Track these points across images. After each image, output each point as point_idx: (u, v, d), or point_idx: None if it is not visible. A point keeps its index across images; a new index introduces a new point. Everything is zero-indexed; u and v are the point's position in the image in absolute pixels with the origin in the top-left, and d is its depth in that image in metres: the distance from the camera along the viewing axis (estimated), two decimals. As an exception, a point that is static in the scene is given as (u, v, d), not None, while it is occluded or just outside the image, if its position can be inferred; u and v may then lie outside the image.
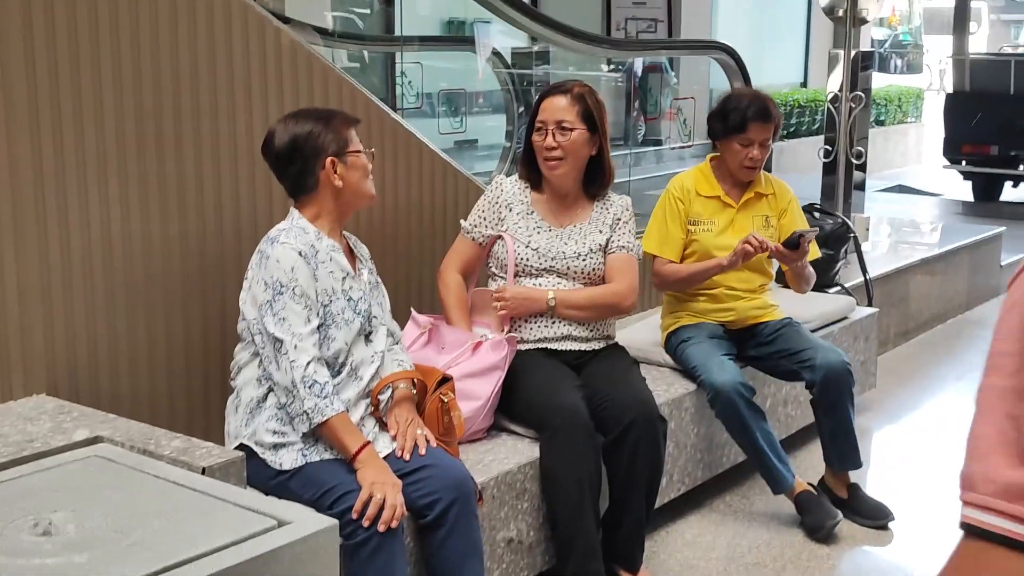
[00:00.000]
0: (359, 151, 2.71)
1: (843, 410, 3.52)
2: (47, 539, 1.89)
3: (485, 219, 3.26)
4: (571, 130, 3.17)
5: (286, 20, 5.60)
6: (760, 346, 3.67)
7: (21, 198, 2.55)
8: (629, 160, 8.17)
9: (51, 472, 2.22)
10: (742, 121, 3.60)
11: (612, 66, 11.13)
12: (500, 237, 3.22)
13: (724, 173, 3.74)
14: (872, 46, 21.66)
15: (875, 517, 3.58)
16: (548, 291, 3.16)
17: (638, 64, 11.53)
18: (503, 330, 3.14)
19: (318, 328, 2.58)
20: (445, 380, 2.85)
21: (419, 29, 9.57)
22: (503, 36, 7.64)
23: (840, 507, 3.56)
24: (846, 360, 3.54)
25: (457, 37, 10.01)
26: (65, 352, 2.67)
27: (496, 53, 6.47)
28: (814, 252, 3.67)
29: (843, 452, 3.59)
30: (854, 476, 3.67)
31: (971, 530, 0.86)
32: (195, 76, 2.83)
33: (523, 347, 3.17)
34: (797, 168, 11.54)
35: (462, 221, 3.31)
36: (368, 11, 9.41)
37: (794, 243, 3.43)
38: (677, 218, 3.67)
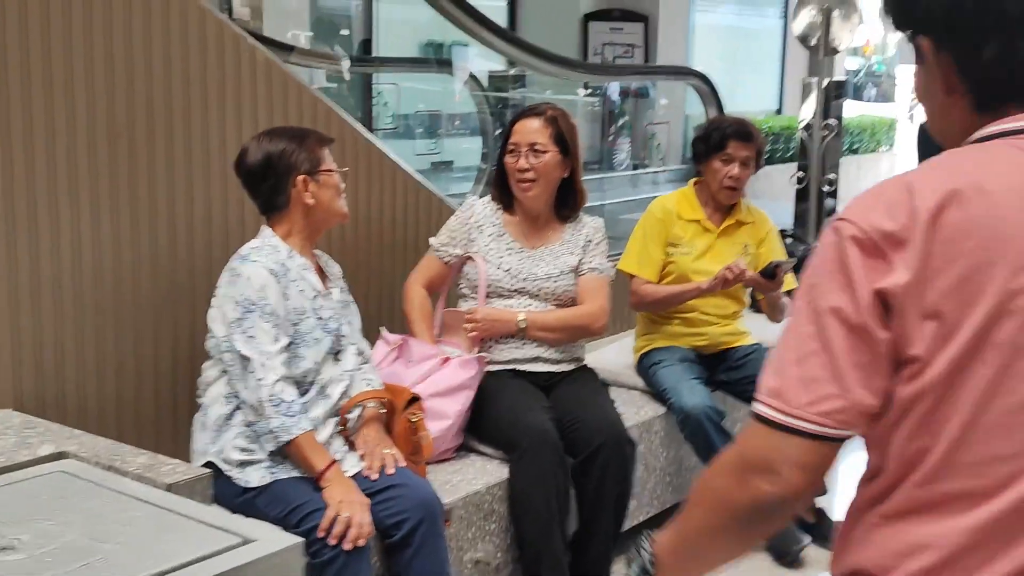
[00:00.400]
0: (332, 170, 2.72)
1: None
2: (9, 555, 1.87)
3: (454, 239, 3.27)
4: (544, 152, 3.19)
5: (263, 39, 5.63)
6: (730, 370, 3.69)
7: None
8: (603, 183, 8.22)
9: (15, 487, 2.21)
10: (722, 139, 3.67)
11: (589, 90, 11.21)
12: (470, 258, 3.23)
13: (707, 198, 3.77)
14: (846, 75, 21.92)
15: None
16: (519, 313, 3.17)
17: (616, 88, 11.63)
18: (473, 351, 3.15)
19: (287, 347, 2.58)
20: (414, 400, 2.85)
21: (397, 51, 9.62)
22: (480, 59, 7.69)
23: (807, 531, 3.58)
24: None
25: (434, 59, 10.06)
26: (32, 367, 2.65)
27: (473, 76, 6.49)
28: (793, 283, 3.70)
29: None
30: (820, 501, 3.68)
31: (764, 421, 1.18)
32: (168, 93, 2.83)
33: (493, 368, 3.18)
34: (771, 194, 11.63)
35: (431, 239, 3.32)
36: (347, 32, 9.45)
37: (770, 273, 3.46)
38: (658, 239, 3.70)
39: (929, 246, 1.11)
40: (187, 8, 2.85)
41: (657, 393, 3.65)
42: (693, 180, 3.85)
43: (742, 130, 3.68)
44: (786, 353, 1.19)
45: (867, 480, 1.24)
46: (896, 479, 1.18)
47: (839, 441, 1.16)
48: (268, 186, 2.66)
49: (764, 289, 3.52)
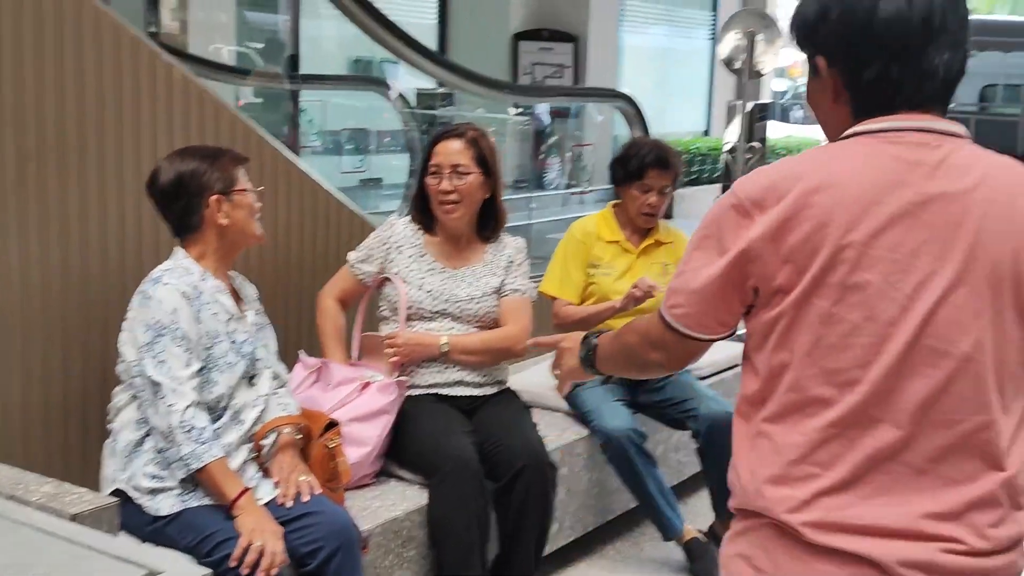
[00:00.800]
0: (246, 190, 2.67)
1: (727, 460, 3.54)
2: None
3: (371, 256, 3.24)
4: (467, 174, 3.17)
5: (188, 56, 5.56)
6: (650, 393, 3.70)
7: None
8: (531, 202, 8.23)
9: (-91, 519, 2.12)
10: (640, 167, 3.68)
11: (520, 109, 11.23)
12: (388, 279, 3.20)
13: (625, 219, 3.80)
14: (773, 97, 22.24)
15: None
16: (441, 336, 3.14)
17: (545, 108, 11.67)
18: (394, 375, 3.11)
19: (199, 371, 2.52)
20: (332, 425, 2.81)
21: (325, 67, 9.55)
22: (409, 76, 7.66)
23: None
24: (730, 411, 3.57)
25: (363, 76, 10.01)
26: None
27: (400, 94, 6.46)
28: None
29: (728, 500, 3.61)
30: None
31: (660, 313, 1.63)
32: (81, 112, 2.76)
33: (415, 392, 3.14)
34: (698, 215, 11.71)
35: (350, 253, 3.28)
36: (273, 47, 9.36)
37: None
38: (578, 261, 3.71)
39: (786, 211, 1.48)
40: (101, 25, 2.79)
41: (580, 415, 3.64)
42: (612, 203, 3.87)
43: (661, 158, 3.69)
44: (676, 270, 1.64)
45: (748, 395, 1.59)
46: (768, 388, 1.54)
47: (694, 340, 1.62)
48: (180, 207, 2.61)
49: None
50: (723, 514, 3.66)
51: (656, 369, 1.73)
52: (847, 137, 1.55)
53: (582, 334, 2.01)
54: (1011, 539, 1.49)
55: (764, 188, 1.51)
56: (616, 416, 3.48)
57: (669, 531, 3.54)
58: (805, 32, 1.59)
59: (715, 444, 3.53)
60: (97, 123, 2.80)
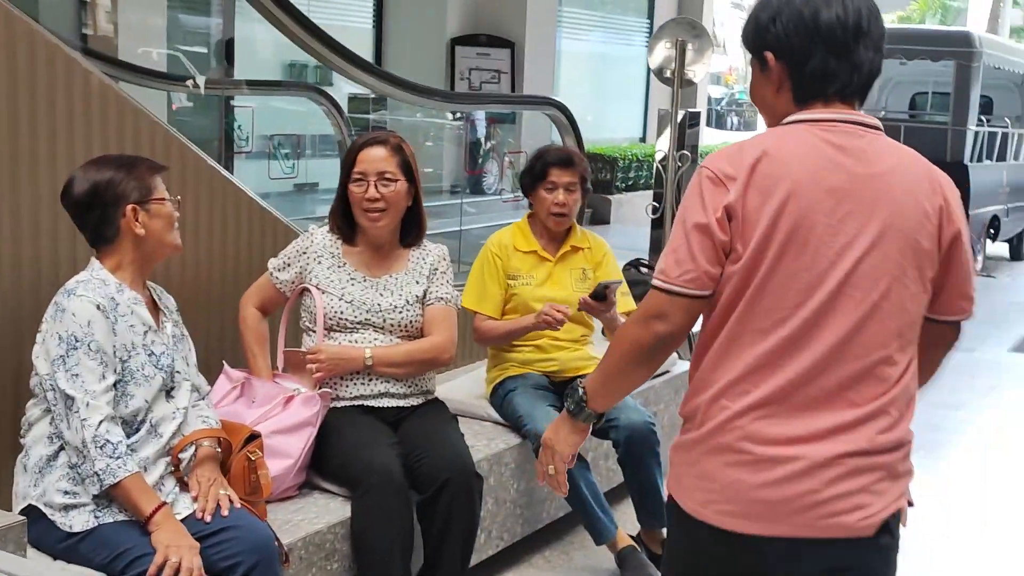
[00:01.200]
0: (163, 199, 2.62)
1: (648, 469, 3.57)
2: None
3: (288, 265, 3.21)
4: (394, 181, 3.15)
5: (119, 63, 5.47)
6: None
7: None
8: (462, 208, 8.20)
9: None
10: (543, 167, 3.75)
11: (457, 114, 11.21)
12: (307, 289, 3.17)
13: (540, 229, 3.82)
14: (709, 103, 22.44)
15: None
16: (365, 349, 3.11)
17: (482, 114, 11.66)
18: (317, 388, 3.07)
19: (115, 385, 2.48)
20: (253, 437, 2.77)
21: (258, 72, 9.45)
22: (341, 81, 7.61)
23: (655, 562, 3.61)
24: (650, 421, 3.60)
25: (296, 81, 9.92)
26: None
27: (329, 98, 6.41)
28: (629, 304, 3.72)
29: (651, 510, 3.64)
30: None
31: (658, 288, 1.88)
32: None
33: (339, 404, 3.11)
34: (635, 220, 11.80)
35: (271, 260, 3.25)
36: (205, 51, 9.25)
37: (600, 294, 3.46)
38: (495, 274, 3.73)
39: (747, 180, 1.83)
40: (14, 30, 2.73)
41: (512, 420, 3.63)
42: (527, 213, 3.89)
43: (562, 157, 3.78)
44: (667, 249, 1.89)
45: (705, 331, 1.91)
46: (721, 321, 1.88)
47: (700, 299, 1.87)
48: (95, 217, 2.55)
49: (596, 311, 3.52)
50: (648, 523, 3.67)
51: (665, 343, 1.91)
52: (790, 123, 1.90)
53: (555, 426, 2.21)
54: (896, 442, 1.88)
55: (732, 162, 1.85)
56: (549, 419, 3.46)
57: (602, 535, 3.55)
58: (759, 32, 1.93)
59: (633, 454, 3.55)
60: (10, 129, 2.74)
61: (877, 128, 1.91)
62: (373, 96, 6.32)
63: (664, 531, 3.66)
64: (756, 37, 1.94)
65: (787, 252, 1.82)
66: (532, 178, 3.78)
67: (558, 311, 3.51)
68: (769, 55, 1.92)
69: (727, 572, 1.92)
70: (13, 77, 2.73)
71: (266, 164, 8.05)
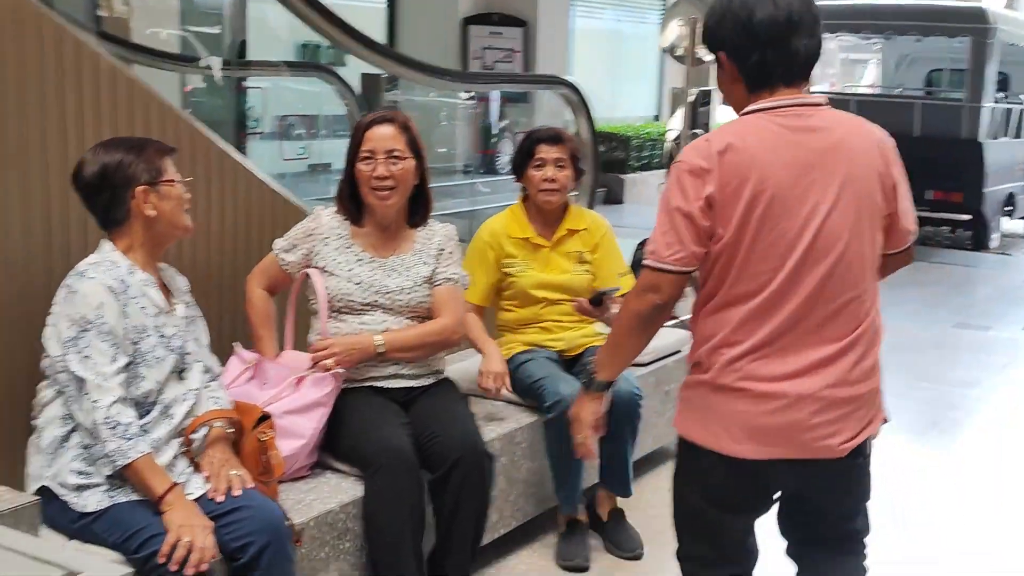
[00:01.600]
0: (174, 180, 2.63)
1: (621, 439, 3.56)
2: None
3: (295, 246, 3.21)
4: (403, 159, 3.15)
5: (131, 45, 5.45)
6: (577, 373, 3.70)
7: None
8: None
9: None
10: (531, 145, 3.74)
11: (470, 94, 11.18)
12: (314, 271, 3.16)
13: (534, 213, 3.81)
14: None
15: (626, 548, 3.65)
16: (376, 336, 3.11)
17: (495, 94, 11.63)
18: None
19: (126, 367, 2.49)
20: (265, 418, 2.78)
21: (271, 52, 9.44)
22: (355, 62, 7.59)
23: (598, 529, 3.68)
24: (636, 391, 3.58)
25: (308, 62, 9.90)
26: None
27: (339, 78, 6.40)
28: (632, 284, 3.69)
29: (616, 477, 3.66)
30: (623, 503, 3.73)
31: (650, 268, 2.21)
32: (3, 103, 2.70)
33: (350, 385, 3.12)
34: (649, 200, 11.78)
35: (276, 240, 3.25)
36: (219, 31, 9.24)
37: (598, 301, 3.39)
38: (484, 263, 3.72)
39: (719, 172, 2.14)
40: (22, 13, 2.73)
41: (526, 387, 3.61)
42: (521, 197, 3.86)
43: (550, 133, 3.76)
44: (656, 233, 2.20)
45: (698, 302, 2.27)
46: (715, 289, 2.21)
47: (686, 274, 2.19)
48: (106, 199, 2.56)
49: (594, 316, 3.44)
50: (612, 487, 3.69)
51: (659, 312, 2.23)
52: (746, 114, 2.21)
53: (577, 401, 2.47)
54: (868, 370, 2.24)
55: (703, 156, 2.14)
56: (567, 383, 3.48)
57: (570, 507, 3.60)
58: (711, 36, 2.26)
59: (611, 421, 3.47)
60: (19, 112, 2.74)
61: (820, 104, 2.22)
62: (386, 76, 6.29)
63: (618, 500, 3.71)
64: (710, 40, 2.27)
65: (763, 227, 2.14)
66: (521, 157, 3.77)
67: (494, 383, 3.47)
68: (721, 55, 2.23)
69: (730, 495, 2.29)
70: (21, 60, 2.74)
71: (280, 145, 8.05)
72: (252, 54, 8.95)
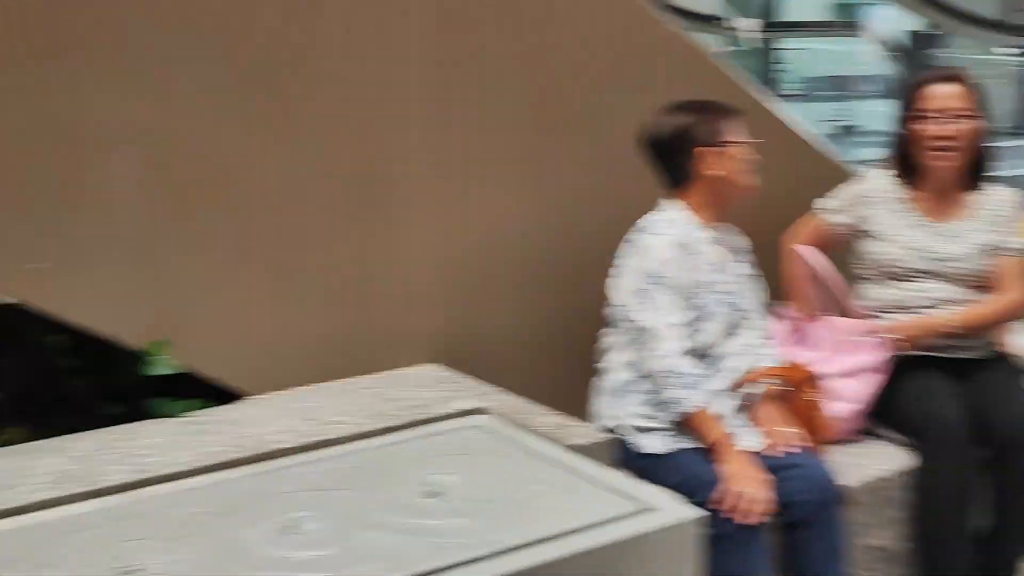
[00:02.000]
0: (737, 142, 2.70)
1: None
2: (435, 501, 2.05)
3: (844, 207, 3.14)
4: (966, 118, 2.99)
5: (669, 7, 5.66)
6: None
7: (429, 184, 2.83)
8: None
9: (438, 438, 2.41)
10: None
11: (1019, 49, 10.28)
12: (862, 235, 3.09)
13: None
14: None
15: None
16: (949, 319, 2.99)
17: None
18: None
19: (688, 319, 2.61)
20: (811, 378, 2.79)
21: (805, 14, 9.32)
22: (892, 20, 7.28)
23: None
24: None
25: (840, 21, 9.63)
26: (460, 328, 2.91)
27: (882, 39, 6.15)
28: None
29: None
30: None
31: None
32: (580, 71, 2.96)
33: (903, 353, 3.01)
34: None
35: (818, 200, 3.20)
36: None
37: None
38: None
39: None
40: None
41: None
42: None
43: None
44: None
45: None
46: None
47: None
48: (674, 159, 2.69)
49: None
50: None
51: None
52: None
53: None
54: None
55: None
56: None
57: None
58: None
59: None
60: (594, 81, 2.98)
61: None
62: (933, 33, 5.95)
63: None
64: None
65: None
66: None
67: None
68: None
69: None
70: (593, 27, 2.99)
71: (811, 106, 7.94)
72: (784, 15, 8.91)
